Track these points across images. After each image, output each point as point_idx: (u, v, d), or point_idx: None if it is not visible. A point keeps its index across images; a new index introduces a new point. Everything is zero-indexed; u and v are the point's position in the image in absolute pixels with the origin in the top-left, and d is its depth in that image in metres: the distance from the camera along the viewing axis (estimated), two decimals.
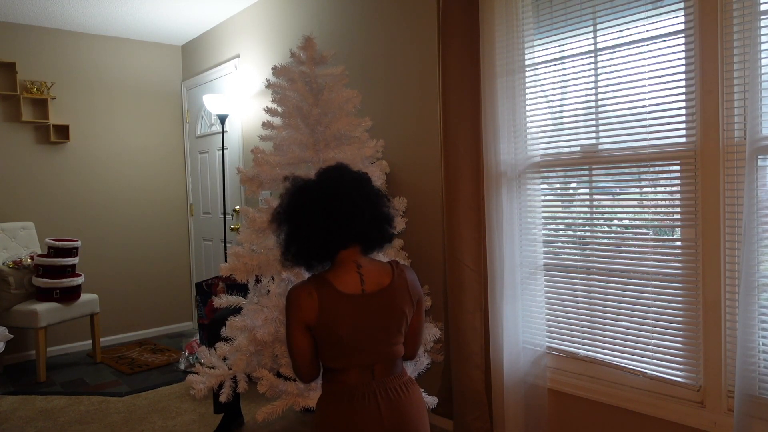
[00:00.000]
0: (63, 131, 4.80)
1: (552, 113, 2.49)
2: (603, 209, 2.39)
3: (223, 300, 2.60)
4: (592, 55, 2.32)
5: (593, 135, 2.34)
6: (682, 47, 2.05)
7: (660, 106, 2.12)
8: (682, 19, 2.05)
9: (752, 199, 1.84)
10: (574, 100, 2.41)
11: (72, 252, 4.28)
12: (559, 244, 2.52)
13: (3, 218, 4.52)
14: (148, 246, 5.32)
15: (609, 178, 2.34)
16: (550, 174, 2.52)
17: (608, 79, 2.27)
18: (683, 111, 2.06)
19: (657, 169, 2.17)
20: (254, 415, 2.56)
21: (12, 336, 3.62)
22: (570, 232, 2.49)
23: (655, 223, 2.21)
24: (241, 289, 2.85)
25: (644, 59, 2.15)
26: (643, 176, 2.22)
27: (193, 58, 5.31)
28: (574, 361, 2.45)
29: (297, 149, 2.56)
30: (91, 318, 4.48)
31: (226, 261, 2.54)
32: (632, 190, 2.28)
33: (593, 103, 2.33)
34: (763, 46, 1.84)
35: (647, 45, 2.14)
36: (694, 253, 2.06)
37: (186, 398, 3.61)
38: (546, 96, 2.50)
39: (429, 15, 2.94)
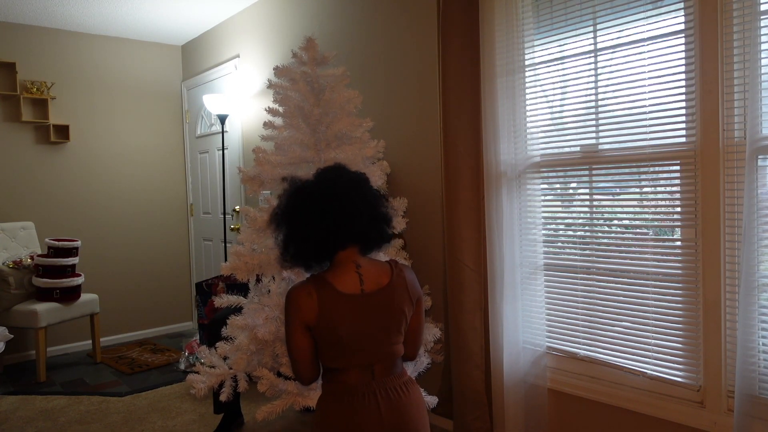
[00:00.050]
0: (63, 131, 4.80)
1: (552, 113, 2.49)
2: (603, 209, 2.39)
3: (223, 300, 2.60)
4: (592, 55, 2.33)
5: (593, 135, 2.34)
6: (682, 47, 2.05)
7: (660, 106, 2.12)
8: (682, 19, 2.05)
9: (752, 199, 1.84)
10: (574, 100, 2.41)
11: (72, 252, 4.28)
12: (559, 244, 2.52)
13: (3, 218, 4.52)
14: (148, 246, 5.32)
15: (609, 178, 2.34)
16: (550, 174, 2.52)
17: (608, 79, 2.28)
18: (683, 111, 2.07)
19: (657, 169, 2.17)
20: (254, 414, 2.56)
21: (12, 336, 3.62)
22: (570, 232, 2.50)
23: (655, 223, 2.21)
24: (241, 289, 2.85)
25: (644, 59, 2.15)
26: (643, 176, 2.22)
27: (193, 58, 5.31)
28: (574, 361, 2.46)
29: (298, 149, 2.56)
30: (91, 318, 4.48)
31: (226, 260, 2.54)
32: (632, 190, 2.28)
33: (593, 103, 2.33)
34: (763, 46, 1.84)
35: (647, 45, 2.14)
36: (694, 253, 2.07)
37: (186, 398, 3.61)
38: (546, 96, 2.50)
39: (429, 15, 2.94)
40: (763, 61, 1.84)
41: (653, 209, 2.22)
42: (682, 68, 2.05)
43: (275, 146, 2.60)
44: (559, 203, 2.54)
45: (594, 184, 2.39)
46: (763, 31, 1.85)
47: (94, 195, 5.01)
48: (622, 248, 2.30)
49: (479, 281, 2.66)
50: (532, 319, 2.57)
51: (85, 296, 4.42)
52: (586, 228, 2.43)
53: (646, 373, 2.21)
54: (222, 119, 4.50)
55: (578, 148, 2.38)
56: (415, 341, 1.67)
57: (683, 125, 2.07)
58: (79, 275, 4.36)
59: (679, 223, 2.13)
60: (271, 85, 2.57)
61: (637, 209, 2.27)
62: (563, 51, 2.43)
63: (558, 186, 2.53)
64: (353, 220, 1.51)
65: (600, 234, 2.39)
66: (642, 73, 2.16)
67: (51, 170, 4.80)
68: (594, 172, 2.36)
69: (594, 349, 2.39)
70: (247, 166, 3.51)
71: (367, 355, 1.53)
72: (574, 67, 2.39)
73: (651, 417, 2.19)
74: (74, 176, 4.91)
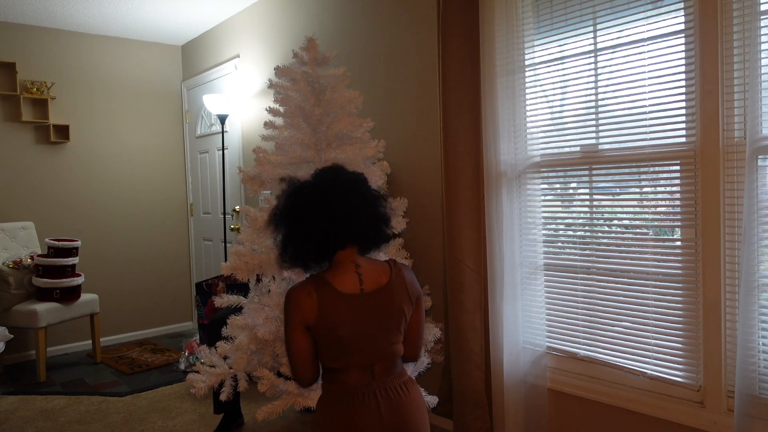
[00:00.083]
0: (63, 131, 4.80)
1: (552, 113, 2.49)
2: (603, 209, 2.39)
3: (223, 299, 2.60)
4: (592, 55, 2.33)
5: (593, 135, 2.34)
6: (682, 47, 2.05)
7: (660, 106, 2.12)
8: (682, 19, 2.05)
9: (752, 199, 1.84)
10: (574, 100, 2.41)
11: (72, 252, 4.28)
12: (559, 244, 2.52)
13: (3, 218, 4.52)
14: (148, 246, 5.32)
15: (609, 178, 2.34)
16: (550, 174, 2.52)
17: (608, 79, 2.28)
18: (683, 111, 2.07)
19: (657, 169, 2.17)
20: (254, 414, 2.56)
21: (12, 336, 3.62)
22: (570, 232, 2.50)
23: (655, 223, 2.21)
24: (241, 289, 2.85)
25: (644, 59, 2.15)
26: (643, 176, 2.22)
27: (193, 58, 5.31)
28: (574, 361, 2.46)
29: (299, 149, 2.56)
30: (91, 318, 4.48)
31: (226, 260, 2.54)
32: (632, 190, 2.28)
33: (593, 103, 2.33)
34: (763, 46, 1.84)
35: (647, 45, 2.14)
36: (694, 253, 2.07)
37: (186, 398, 3.61)
38: (546, 96, 2.50)
39: (429, 15, 2.94)
40: (763, 61, 1.84)
41: (653, 209, 2.22)
42: (682, 68, 2.05)
43: (276, 146, 2.60)
44: (559, 203, 2.54)
45: (594, 184, 2.39)
46: (763, 31, 1.85)
47: (94, 195, 5.01)
48: (622, 248, 2.30)
49: (479, 281, 2.66)
50: (532, 319, 2.57)
51: (85, 296, 4.42)
52: (586, 228, 2.43)
53: (646, 373, 2.21)
54: (222, 119, 4.50)
55: (578, 148, 2.39)
56: (416, 341, 1.67)
57: (683, 125, 2.07)
58: (79, 275, 4.36)
59: (679, 223, 2.13)
60: (271, 85, 2.58)
61: (637, 209, 2.27)
62: (563, 51, 2.43)
63: (558, 186, 2.53)
64: (352, 220, 1.52)
65: (600, 234, 2.39)
66: (642, 73, 2.16)
67: (51, 170, 4.80)
68: (594, 172, 2.36)
69: (594, 349, 2.39)
70: (247, 166, 3.51)
71: (367, 354, 1.53)
72: (574, 67, 2.39)
73: (651, 417, 2.19)
74: (74, 176, 4.91)
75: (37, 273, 4.21)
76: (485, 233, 2.62)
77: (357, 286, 1.53)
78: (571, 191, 2.50)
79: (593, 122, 2.34)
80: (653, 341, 2.19)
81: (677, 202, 2.13)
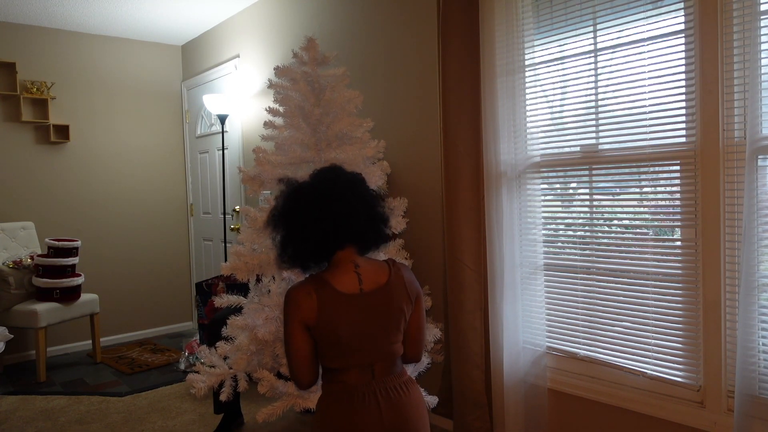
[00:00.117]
0: (63, 131, 4.80)
1: (552, 113, 2.49)
2: (603, 209, 2.39)
3: (223, 300, 2.60)
4: (592, 55, 2.33)
5: (593, 135, 2.34)
6: (682, 47, 2.05)
7: (660, 106, 2.12)
8: (682, 19, 2.05)
9: (752, 199, 1.84)
10: (574, 100, 2.41)
11: (72, 252, 4.28)
12: (559, 244, 2.52)
13: (3, 218, 4.52)
14: (148, 246, 5.32)
15: (609, 178, 2.34)
16: (550, 174, 2.52)
17: (608, 79, 2.28)
18: (683, 111, 2.07)
19: (657, 169, 2.17)
20: (254, 415, 2.56)
21: (12, 336, 3.62)
22: (570, 232, 2.50)
23: (655, 223, 2.22)
24: (241, 289, 2.85)
25: (644, 59, 2.15)
26: (643, 176, 2.22)
27: (193, 58, 5.31)
28: (574, 361, 2.46)
29: (299, 149, 2.56)
30: (91, 318, 4.48)
31: (226, 261, 2.54)
32: (632, 190, 2.28)
33: (593, 103, 2.33)
34: (763, 46, 1.84)
35: (647, 45, 2.14)
36: (694, 253, 2.07)
37: (186, 398, 3.61)
38: (546, 96, 2.50)
39: (429, 15, 2.94)
40: (763, 61, 1.84)
41: (653, 209, 2.22)
42: (682, 68, 2.05)
43: (276, 146, 2.60)
44: (559, 203, 2.54)
45: (594, 184, 2.39)
46: (763, 31, 1.85)
47: (94, 195, 5.01)
48: (622, 248, 2.30)
49: (479, 281, 2.66)
50: (532, 319, 2.57)
51: (85, 296, 4.42)
52: (586, 228, 2.43)
53: (646, 373, 2.21)
54: (222, 119, 4.50)
55: (578, 148, 2.39)
56: (417, 340, 1.66)
57: (683, 125, 2.07)
58: (79, 275, 4.36)
59: (679, 223, 2.13)
60: (271, 85, 2.57)
61: (637, 209, 2.27)
62: (563, 51, 2.43)
63: (558, 186, 2.53)
64: (351, 219, 1.52)
65: (600, 234, 2.39)
66: (642, 73, 2.16)
67: (51, 170, 4.80)
68: (594, 172, 2.36)
69: (594, 349, 2.39)
70: (247, 166, 3.51)
71: (367, 354, 1.53)
72: (574, 67, 2.39)
73: (651, 417, 2.19)
74: (74, 176, 4.91)
75: (37, 273, 4.21)
76: (485, 233, 2.62)
77: (356, 285, 1.54)
78: (571, 191, 2.50)
79: (593, 122, 2.34)
80: (653, 341, 2.19)
81: (677, 202, 2.13)
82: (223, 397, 2.45)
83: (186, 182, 5.55)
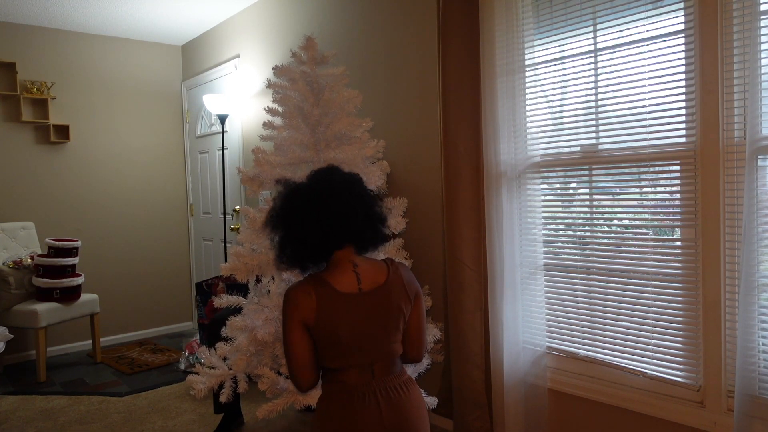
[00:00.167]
0: (63, 131, 4.80)
1: (552, 113, 2.49)
2: (603, 209, 2.39)
3: (223, 300, 2.60)
4: (592, 55, 2.32)
5: (593, 135, 2.34)
6: (682, 47, 2.05)
7: (660, 106, 2.12)
8: (682, 19, 2.05)
9: (752, 199, 1.84)
10: (574, 100, 2.41)
11: (72, 252, 4.28)
12: (559, 244, 2.52)
13: (3, 218, 4.52)
14: (148, 246, 5.32)
15: (609, 178, 2.34)
16: (550, 174, 2.52)
17: (608, 79, 2.27)
18: (683, 111, 2.07)
19: (657, 169, 2.17)
20: (255, 413, 2.56)
21: (12, 336, 3.62)
22: (570, 232, 2.49)
23: (655, 223, 2.21)
24: (241, 289, 2.85)
25: (644, 59, 2.15)
26: (643, 176, 2.22)
27: (193, 58, 5.31)
28: (574, 361, 2.46)
29: (298, 149, 2.56)
30: (91, 318, 4.48)
31: (226, 261, 2.54)
32: (632, 190, 2.28)
33: (593, 103, 2.33)
34: (763, 46, 1.84)
35: (647, 45, 2.14)
36: (694, 253, 2.07)
37: (186, 398, 3.61)
38: (546, 96, 2.50)
39: (429, 15, 2.94)
40: (763, 61, 1.84)
41: (653, 209, 2.22)
42: (682, 68, 2.05)
43: (275, 146, 2.60)
44: (559, 203, 2.54)
45: (594, 184, 2.38)
46: (763, 31, 1.85)
47: (94, 195, 5.01)
48: (622, 248, 2.30)
49: (479, 281, 2.65)
50: (532, 319, 2.57)
51: (85, 296, 4.42)
52: (586, 228, 2.43)
53: (646, 373, 2.21)
54: (222, 119, 4.50)
55: (578, 148, 2.38)
56: (417, 339, 1.65)
57: (683, 125, 2.07)
58: (79, 275, 4.36)
59: (679, 223, 2.13)
60: (270, 85, 2.57)
61: (637, 209, 2.27)
62: (563, 51, 2.42)
63: (558, 186, 2.53)
64: (349, 219, 1.52)
65: (600, 234, 2.39)
66: (642, 73, 2.16)
67: (51, 170, 4.80)
68: (594, 172, 2.36)
69: (594, 349, 2.39)
70: (247, 166, 3.51)
71: (367, 354, 1.53)
72: (574, 67, 2.39)
73: (651, 417, 2.19)
74: (74, 176, 4.91)
75: (37, 273, 4.21)
76: (485, 233, 2.62)
77: (355, 285, 1.54)
78: (571, 191, 2.49)
79: (593, 122, 2.34)
80: (653, 341, 2.19)
81: (677, 202, 2.13)
82: (222, 399, 2.45)
83: (186, 182, 5.55)
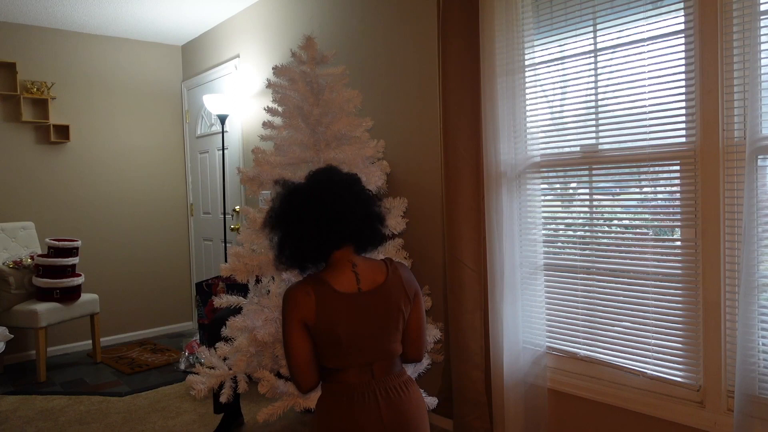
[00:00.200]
0: (63, 131, 4.80)
1: (552, 113, 2.49)
2: (603, 209, 2.39)
3: (223, 300, 2.60)
4: (592, 55, 2.32)
5: (593, 135, 2.34)
6: (682, 47, 2.05)
7: (660, 106, 2.12)
8: (682, 19, 2.05)
9: (752, 199, 1.84)
10: (574, 100, 2.41)
11: (72, 252, 4.28)
12: (559, 244, 2.52)
13: (3, 218, 4.52)
14: (148, 246, 5.32)
15: (609, 178, 2.34)
16: (550, 174, 2.52)
17: (608, 79, 2.27)
18: (683, 111, 2.07)
19: (657, 169, 2.17)
20: (254, 415, 2.56)
21: (12, 336, 3.62)
22: (570, 232, 2.49)
23: (655, 223, 2.21)
24: (241, 289, 2.85)
25: (644, 59, 2.15)
26: (643, 176, 2.22)
27: (193, 58, 5.31)
28: (574, 361, 2.46)
29: (298, 149, 2.56)
30: (91, 318, 4.48)
31: (226, 261, 2.54)
32: (632, 190, 2.28)
33: (593, 103, 2.33)
34: (763, 46, 1.84)
35: (647, 45, 2.14)
36: (694, 253, 2.07)
37: (186, 398, 3.61)
38: (546, 96, 2.50)
39: (429, 15, 2.94)
40: (763, 61, 1.84)
41: (653, 209, 2.22)
42: (682, 68, 2.05)
43: (275, 146, 2.60)
44: (559, 203, 2.54)
45: (594, 184, 2.38)
46: (763, 31, 1.85)
47: (94, 195, 5.01)
48: (622, 248, 2.30)
49: (479, 281, 2.65)
50: (532, 319, 2.57)
51: (85, 296, 4.42)
52: (586, 228, 2.42)
53: (646, 373, 2.21)
54: (222, 119, 4.50)
55: (578, 148, 2.38)
56: (417, 339, 1.65)
57: (683, 125, 2.07)
58: (79, 275, 4.36)
59: (679, 223, 2.13)
60: (269, 85, 2.57)
61: (637, 209, 2.27)
62: (563, 51, 2.42)
63: (558, 186, 2.53)
64: (347, 219, 1.53)
65: (600, 234, 2.39)
66: (642, 73, 2.16)
67: (51, 170, 4.80)
68: (594, 172, 2.36)
69: (594, 349, 2.39)
70: (247, 166, 3.51)
71: (366, 354, 1.53)
72: (574, 67, 2.39)
73: (651, 417, 2.19)
74: (74, 176, 4.91)
75: (37, 273, 4.21)
76: (485, 233, 2.62)
77: (354, 285, 1.54)
78: (571, 191, 2.49)
79: (593, 122, 2.34)
80: (653, 341, 2.19)
81: (677, 202, 2.12)
82: (222, 399, 2.45)
83: (186, 182, 5.55)
